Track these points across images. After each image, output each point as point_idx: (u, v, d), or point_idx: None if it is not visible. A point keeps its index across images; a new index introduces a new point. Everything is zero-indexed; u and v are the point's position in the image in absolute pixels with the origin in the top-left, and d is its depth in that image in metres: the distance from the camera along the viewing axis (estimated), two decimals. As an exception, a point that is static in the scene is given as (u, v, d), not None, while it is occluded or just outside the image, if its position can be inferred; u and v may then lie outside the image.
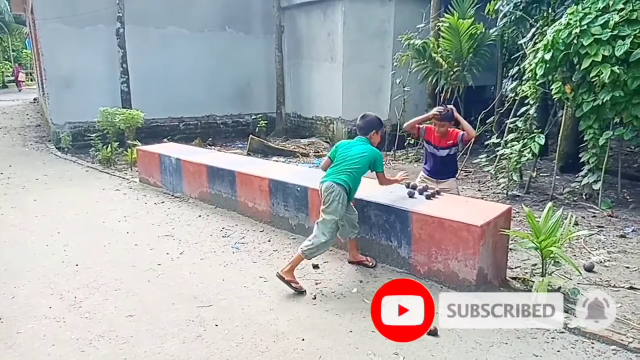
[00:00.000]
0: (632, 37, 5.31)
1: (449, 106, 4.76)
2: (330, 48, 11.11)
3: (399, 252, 4.17)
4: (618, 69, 5.37)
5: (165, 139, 10.40)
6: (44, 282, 4.09)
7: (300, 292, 3.77)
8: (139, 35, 10.66)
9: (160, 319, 3.46)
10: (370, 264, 4.26)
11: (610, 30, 5.46)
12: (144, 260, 4.53)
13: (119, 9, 9.99)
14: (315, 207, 4.79)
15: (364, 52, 10.76)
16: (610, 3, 5.63)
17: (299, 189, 4.98)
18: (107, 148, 8.84)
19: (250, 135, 10.33)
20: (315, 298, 3.71)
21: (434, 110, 4.69)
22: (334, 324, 3.37)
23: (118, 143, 9.13)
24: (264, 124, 11.78)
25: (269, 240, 4.96)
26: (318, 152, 10.32)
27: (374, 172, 4.06)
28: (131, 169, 8.34)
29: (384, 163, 4.05)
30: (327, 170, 4.02)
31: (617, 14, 5.48)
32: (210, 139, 11.57)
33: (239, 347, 3.09)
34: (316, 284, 3.96)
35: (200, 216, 5.81)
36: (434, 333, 3.19)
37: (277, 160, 9.20)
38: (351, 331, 3.27)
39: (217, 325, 3.34)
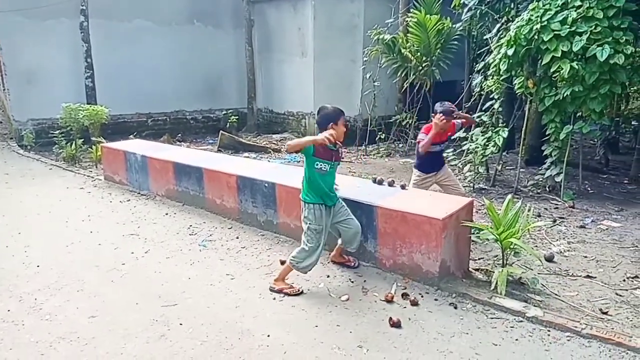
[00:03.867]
0: (589, 33, 5.48)
1: (446, 103, 4.79)
2: (301, 43, 11.07)
3: (365, 246, 4.21)
4: (577, 64, 5.54)
5: (131, 136, 10.18)
6: (3, 285, 3.96)
7: (298, 294, 3.71)
8: (103, 29, 10.36)
9: (123, 319, 3.40)
10: (353, 264, 4.19)
11: (568, 26, 5.62)
12: (107, 260, 4.44)
13: (83, 2, 9.68)
14: (283, 203, 4.80)
15: (334, 47, 10.76)
16: (569, 0, 5.80)
17: (267, 185, 4.97)
18: (71, 145, 8.59)
19: (221, 131, 10.21)
20: (283, 295, 3.71)
21: (439, 115, 4.65)
22: (299, 319, 3.39)
23: (82, 140, 8.89)
24: (235, 120, 11.67)
25: (237, 238, 4.93)
26: (290, 148, 10.27)
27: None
28: (96, 167, 8.14)
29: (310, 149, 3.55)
30: None
31: (575, 10, 5.64)
32: (179, 135, 11.38)
33: (204, 345, 3.08)
34: (293, 285, 3.94)
35: (167, 214, 5.73)
36: (397, 325, 3.25)
37: (248, 157, 9.13)
38: (317, 326, 3.29)
39: (181, 324, 3.31)
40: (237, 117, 11.83)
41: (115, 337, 3.18)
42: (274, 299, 3.67)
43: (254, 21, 12.10)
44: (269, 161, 8.69)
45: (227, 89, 12.55)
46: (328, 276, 4.04)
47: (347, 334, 3.18)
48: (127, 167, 6.80)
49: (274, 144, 10.72)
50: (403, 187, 4.54)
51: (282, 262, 4.24)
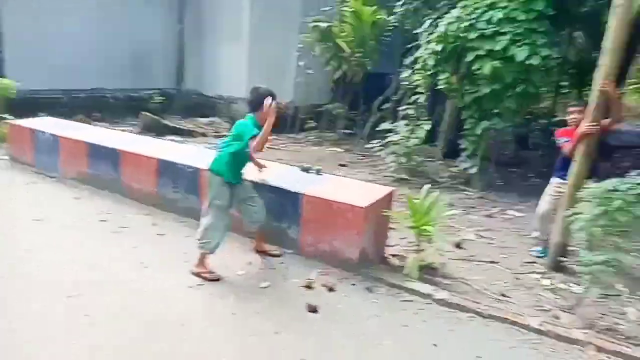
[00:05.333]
0: (511, 34, 5.82)
1: None
2: (236, 25, 10.76)
3: (288, 233, 4.23)
4: (498, 63, 5.86)
5: (41, 113, 9.36)
6: None
7: (216, 279, 3.66)
8: (16, -4, 9.39)
9: (23, 311, 3.15)
10: (279, 253, 4.18)
11: (494, 25, 5.92)
12: (9, 248, 4.08)
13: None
14: (206, 188, 4.65)
15: (270, 32, 10.57)
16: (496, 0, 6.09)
17: (189, 169, 4.81)
18: (-29, 121, 7.74)
19: (143, 112, 9.70)
20: (202, 283, 3.63)
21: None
22: (216, 307, 3.34)
23: (-15, 116, 8.05)
24: (160, 101, 11.14)
25: (155, 224, 4.73)
26: (218, 133, 10.03)
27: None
28: (0, 146, 7.42)
29: (253, 132, 3.48)
30: None
31: (501, 11, 5.94)
32: (97, 114, 10.65)
33: (109, 337, 2.92)
34: (212, 271, 3.86)
35: (78, 198, 5.36)
36: (314, 310, 3.31)
37: (172, 140, 8.77)
38: (234, 313, 3.27)
39: (86, 316, 3.12)
40: (163, 98, 11.30)
41: (8, 331, 2.93)
42: (191, 287, 3.58)
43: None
44: (194, 145, 8.42)
45: (154, 68, 11.91)
46: (250, 263, 4.01)
47: (265, 321, 3.19)
48: (36, 147, 6.26)
49: (201, 127, 10.39)
50: (307, 170, 4.60)
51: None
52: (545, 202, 4.35)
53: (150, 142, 6.19)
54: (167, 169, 4.98)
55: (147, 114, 9.65)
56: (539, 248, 4.51)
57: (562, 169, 4.19)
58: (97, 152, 5.57)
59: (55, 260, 3.90)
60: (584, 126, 3.83)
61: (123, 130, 7.81)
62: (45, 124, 6.63)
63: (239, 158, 3.71)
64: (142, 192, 5.23)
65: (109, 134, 6.48)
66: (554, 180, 4.33)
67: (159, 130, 9.36)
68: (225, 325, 3.13)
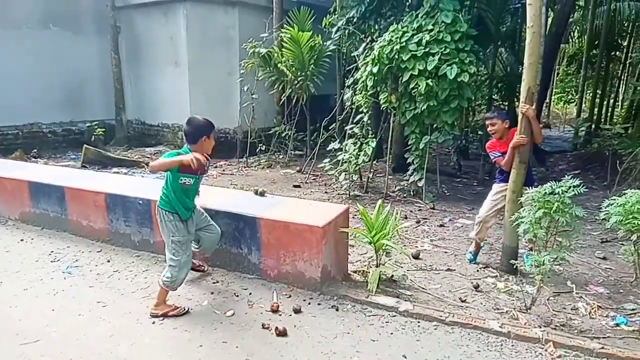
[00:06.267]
0: (440, 54, 6.24)
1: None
2: (174, 52, 10.68)
3: (249, 258, 4.21)
4: (431, 81, 6.26)
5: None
6: None
7: (184, 313, 3.56)
8: None
9: (-32, 367, 2.93)
10: (205, 269, 4.26)
11: (423, 47, 6.34)
12: (-55, 299, 3.78)
13: None
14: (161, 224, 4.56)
15: (210, 57, 10.59)
16: (423, 23, 6.54)
17: (140, 202, 4.68)
18: None
19: (85, 145, 9.33)
20: (163, 319, 3.52)
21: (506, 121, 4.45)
22: (182, 341, 3.25)
23: None
24: (101, 132, 10.77)
25: (108, 261, 4.55)
26: (165, 162, 9.81)
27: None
28: None
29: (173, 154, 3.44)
30: None
31: (428, 34, 6.38)
32: (35, 150, 10.13)
33: (73, 382, 2.79)
34: (177, 305, 3.75)
35: (22, 240, 5.05)
36: (283, 334, 3.31)
37: (118, 172, 8.49)
38: (201, 345, 3.20)
39: (44, 363, 2.96)
40: (103, 129, 10.93)
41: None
42: (153, 323, 3.47)
43: (120, 28, 11.36)
44: (142, 176, 8.19)
45: (92, 99, 11.54)
46: (212, 293, 3.95)
47: (234, 349, 3.15)
48: (-32, 189, 5.86)
49: (148, 157, 10.12)
50: (262, 194, 4.64)
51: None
52: (484, 207, 4.61)
53: (96, 176, 5.98)
54: (117, 203, 4.81)
55: (90, 147, 9.29)
56: (472, 251, 4.74)
57: (501, 174, 4.49)
58: (40, 190, 5.30)
59: (2, 307, 3.65)
60: (516, 138, 4.12)
61: (65, 166, 7.48)
62: (-22, 164, 6.23)
63: (180, 190, 3.50)
64: (92, 229, 5.02)
65: (50, 170, 6.18)
66: (495, 187, 4.62)
67: (103, 163, 9.06)
68: (192, 358, 3.05)
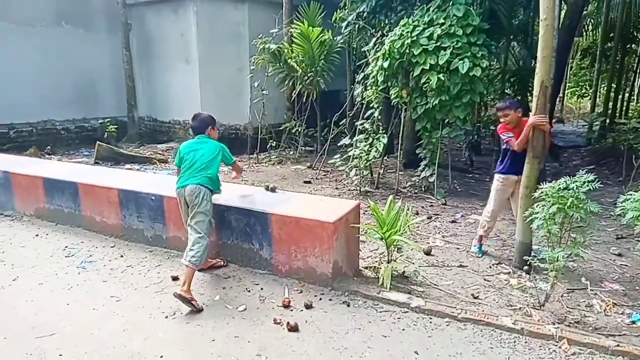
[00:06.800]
0: (452, 48, 6.17)
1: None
2: (185, 49, 10.72)
3: (261, 254, 4.22)
4: (443, 76, 6.19)
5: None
6: None
7: (199, 310, 3.59)
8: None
9: (-13, 359, 2.98)
10: (223, 263, 4.34)
11: (434, 41, 6.26)
12: (-37, 293, 3.85)
13: None
14: (172, 215, 4.59)
15: (220, 54, 10.61)
16: (434, 17, 6.46)
17: (153, 198, 4.72)
18: None
19: (98, 142, 9.43)
20: (174, 312, 3.56)
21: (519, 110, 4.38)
22: (195, 335, 3.28)
23: None
24: (114, 129, 10.86)
25: (122, 256, 4.60)
26: (177, 158, 9.88)
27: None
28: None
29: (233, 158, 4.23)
30: (181, 174, 3.93)
31: (440, 27, 6.31)
32: (49, 147, 10.26)
33: (88, 376, 2.83)
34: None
35: (37, 235, 5.13)
36: (294, 329, 3.32)
37: (130, 168, 8.57)
38: (214, 340, 3.22)
39: (61, 355, 3.00)
40: (116, 126, 11.03)
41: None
42: (166, 317, 3.50)
43: (132, 25, 11.43)
44: (154, 172, 8.26)
45: (104, 97, 11.65)
46: (224, 288, 3.97)
47: (246, 344, 3.17)
48: (-15, 186, 5.96)
49: (160, 154, 10.20)
50: (273, 189, 4.66)
51: (174, 279, 4.08)
52: (490, 202, 4.59)
53: (109, 172, 6.03)
54: (130, 199, 4.86)
55: (102, 143, 9.39)
56: (477, 245, 4.75)
57: (501, 163, 4.46)
58: (55, 187, 5.37)
59: (18, 301, 3.72)
60: (534, 118, 4.01)
61: (78, 162, 7.57)
62: (-6, 160, 6.32)
63: (218, 168, 4.08)
64: (106, 224, 5.08)
65: (64, 166, 6.27)
66: (496, 176, 4.57)
67: (115, 160, 9.14)
68: (205, 352, 3.08)
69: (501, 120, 4.48)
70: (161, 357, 3.02)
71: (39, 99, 10.47)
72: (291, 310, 3.59)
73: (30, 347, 3.10)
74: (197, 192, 3.80)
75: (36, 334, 3.26)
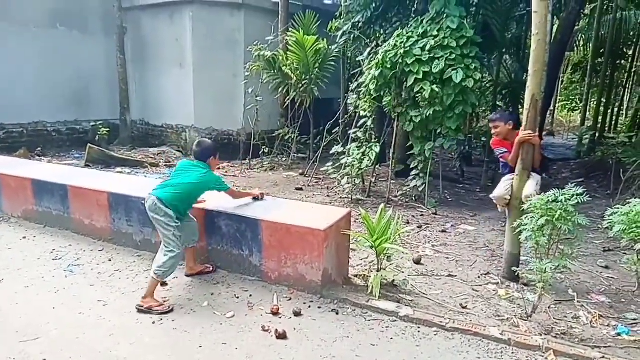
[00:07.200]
0: (445, 59, 6.24)
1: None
2: (179, 53, 10.74)
3: (250, 260, 4.21)
4: (436, 87, 6.25)
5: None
6: None
7: (168, 311, 3.60)
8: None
9: (-32, 362, 2.93)
10: (211, 269, 4.31)
11: (428, 52, 6.33)
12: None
13: None
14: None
15: (215, 59, 10.63)
16: (428, 29, 6.54)
17: (143, 202, 4.66)
18: None
19: (89, 144, 9.37)
20: (161, 318, 3.53)
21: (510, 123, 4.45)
22: (182, 341, 3.25)
23: None
24: (105, 132, 10.82)
25: (110, 260, 4.56)
26: (169, 162, 9.85)
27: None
28: None
29: (223, 181, 4.05)
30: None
31: (433, 39, 6.38)
32: (39, 149, 10.18)
33: (72, 381, 2.79)
34: (164, 302, 3.77)
35: (25, 238, 5.08)
36: (283, 336, 3.30)
37: (121, 172, 8.52)
38: (201, 346, 3.20)
39: (45, 360, 2.96)
40: (108, 129, 10.99)
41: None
42: (153, 323, 3.47)
43: (127, 28, 11.43)
44: (145, 176, 8.21)
45: (97, 99, 11.60)
46: (212, 294, 3.95)
47: (233, 351, 3.14)
48: (-28, 186, 5.88)
49: (152, 158, 10.15)
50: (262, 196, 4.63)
51: (163, 284, 4.04)
52: (499, 187, 4.47)
53: (99, 175, 6.00)
54: (120, 203, 4.83)
55: (93, 146, 9.33)
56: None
57: (506, 168, 4.49)
58: (44, 188, 5.32)
59: (2, 304, 3.66)
60: (522, 134, 4.08)
61: (68, 165, 7.51)
62: (-18, 161, 6.26)
63: (194, 202, 4.06)
64: (94, 228, 5.03)
65: (54, 168, 6.21)
66: (506, 177, 4.56)
67: (106, 163, 9.09)
68: (192, 359, 3.05)
69: (492, 132, 4.55)
70: (147, 363, 2.99)
71: (30, 100, 10.41)
72: (280, 318, 3.57)
73: (14, 351, 3.06)
74: (155, 207, 3.71)
75: (20, 338, 3.21)
